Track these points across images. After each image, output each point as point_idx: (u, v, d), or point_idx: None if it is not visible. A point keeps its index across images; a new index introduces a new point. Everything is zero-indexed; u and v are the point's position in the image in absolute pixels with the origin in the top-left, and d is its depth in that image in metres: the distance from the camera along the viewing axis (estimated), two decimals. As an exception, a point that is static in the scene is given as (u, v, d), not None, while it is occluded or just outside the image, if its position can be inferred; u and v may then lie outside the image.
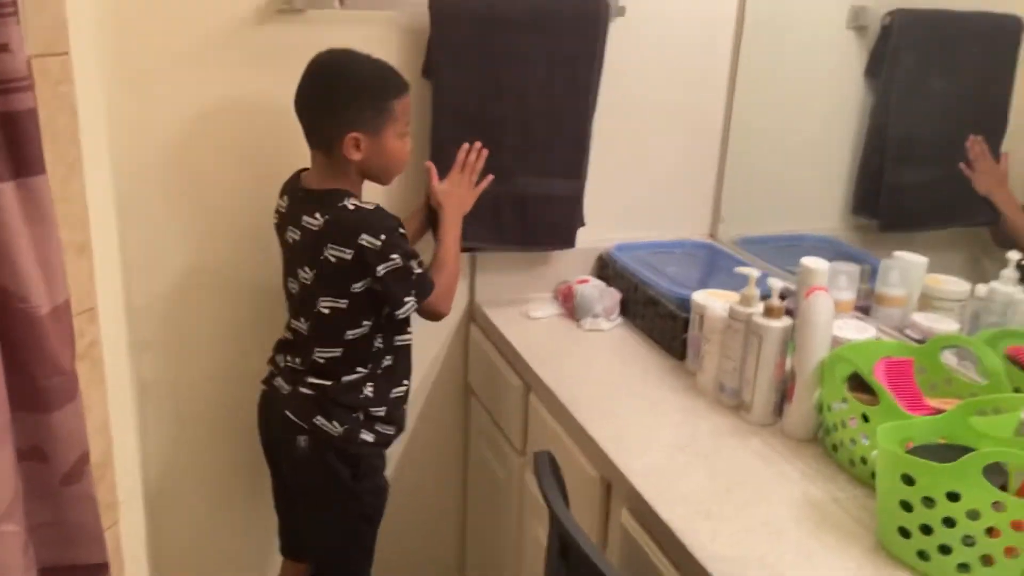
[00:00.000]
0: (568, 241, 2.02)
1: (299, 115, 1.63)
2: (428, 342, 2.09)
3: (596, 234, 2.11)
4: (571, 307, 1.99)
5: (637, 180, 2.15)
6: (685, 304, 1.80)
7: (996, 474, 1.18)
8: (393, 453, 2.10)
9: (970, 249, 2.05)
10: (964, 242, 2.06)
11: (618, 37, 1.99)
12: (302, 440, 1.67)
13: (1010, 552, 1.14)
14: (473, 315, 2.10)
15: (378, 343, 1.67)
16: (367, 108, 1.58)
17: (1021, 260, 1.67)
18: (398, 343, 1.72)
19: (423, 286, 1.65)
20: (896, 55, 2.02)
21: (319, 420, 1.65)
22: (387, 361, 1.70)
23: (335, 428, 1.66)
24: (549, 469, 1.32)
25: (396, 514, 2.08)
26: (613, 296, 1.99)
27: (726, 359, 1.63)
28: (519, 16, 1.85)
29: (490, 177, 1.86)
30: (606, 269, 2.11)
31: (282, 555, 1.92)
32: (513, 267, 2.07)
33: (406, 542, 2.21)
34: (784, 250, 2.18)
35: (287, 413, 1.68)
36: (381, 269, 1.57)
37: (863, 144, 2.13)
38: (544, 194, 1.95)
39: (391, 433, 1.74)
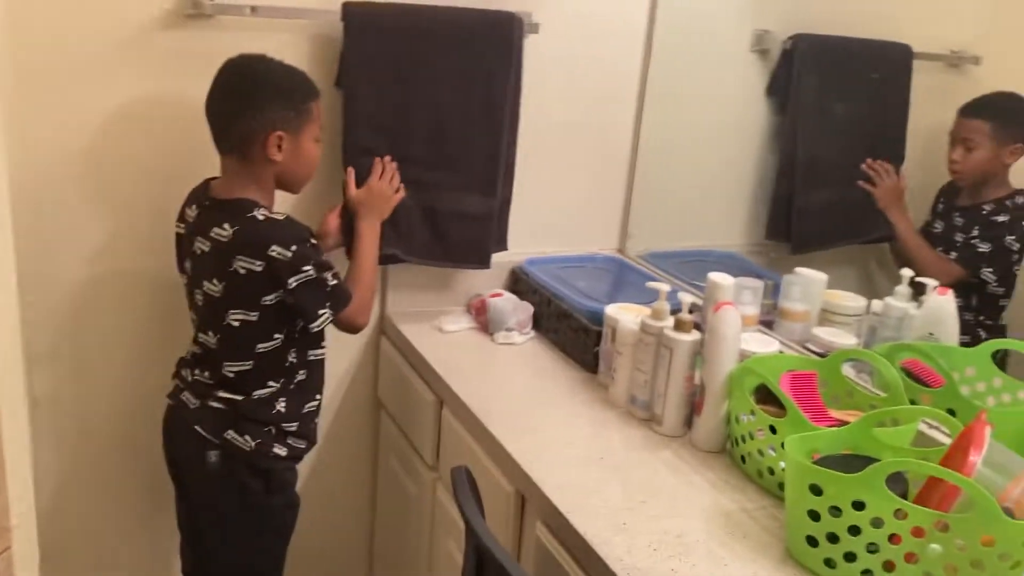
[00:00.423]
0: (482, 261, 2.00)
1: (212, 118, 1.58)
2: (338, 356, 2.06)
3: (508, 248, 2.12)
4: (484, 321, 1.99)
5: (548, 195, 2.17)
6: (597, 318, 1.83)
7: (897, 483, 1.23)
8: (303, 469, 2.06)
9: (866, 265, 2.15)
10: (860, 259, 2.16)
11: (531, 54, 2.01)
12: (212, 455, 1.62)
13: (910, 558, 1.19)
14: (384, 328, 2.08)
15: (292, 358, 1.64)
16: (290, 108, 1.56)
17: (914, 277, 1.76)
18: (311, 357, 1.69)
19: (338, 298, 1.62)
20: (799, 79, 2.11)
21: (230, 435, 1.61)
22: (300, 376, 1.67)
23: (247, 443, 1.62)
24: (467, 485, 1.31)
25: (304, 531, 2.03)
26: (526, 310, 2.00)
27: (638, 372, 1.66)
28: (433, 29, 1.85)
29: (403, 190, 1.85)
30: (518, 283, 2.11)
31: (183, 574, 1.85)
32: (425, 280, 2.06)
33: (314, 559, 2.16)
34: (689, 265, 2.24)
35: (196, 428, 1.63)
36: (293, 281, 1.54)
37: (774, 171, 2.21)
38: (456, 210, 1.94)
39: (302, 447, 1.71)
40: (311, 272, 1.55)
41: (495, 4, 1.91)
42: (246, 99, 1.55)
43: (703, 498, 1.42)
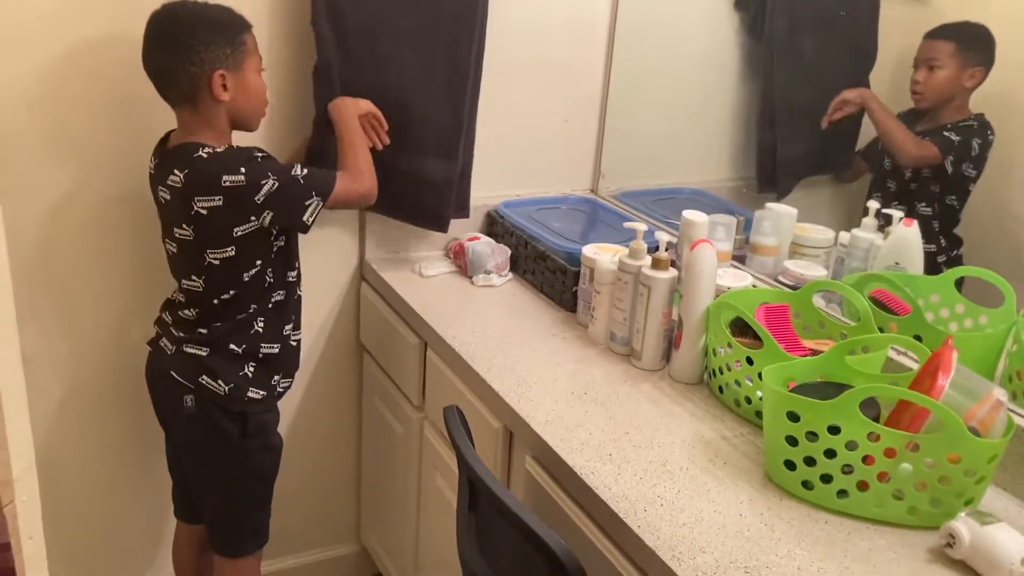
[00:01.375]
0: (440, 226, 2.00)
1: (153, 74, 1.58)
2: (319, 302, 2.08)
3: (483, 191, 2.14)
4: (463, 264, 2.02)
5: (521, 138, 2.18)
6: (574, 258, 1.86)
7: (870, 407, 1.30)
8: (287, 414, 2.11)
9: (833, 197, 2.21)
10: (829, 192, 2.21)
11: (501, -3, 2.01)
12: (188, 399, 1.66)
13: (882, 477, 1.26)
14: (364, 274, 2.10)
15: (269, 277, 1.66)
16: (225, 45, 1.56)
17: (880, 209, 1.81)
18: (289, 279, 1.71)
19: (319, 182, 1.62)
20: (772, 15, 2.13)
21: (204, 379, 1.64)
22: (277, 296, 1.69)
23: (221, 387, 1.65)
24: (459, 422, 1.36)
25: (291, 475, 2.09)
26: (504, 252, 2.03)
27: (616, 310, 1.70)
28: None
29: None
30: (494, 226, 2.14)
31: (176, 518, 1.90)
32: (402, 226, 2.08)
33: (302, 502, 2.22)
34: (661, 203, 2.28)
35: (172, 373, 1.66)
36: (259, 198, 1.55)
37: (755, 119, 2.23)
38: (416, 175, 1.92)
39: (284, 385, 1.74)
40: (272, 182, 1.55)
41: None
42: (180, 47, 1.54)
43: (684, 428, 1.48)
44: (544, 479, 1.44)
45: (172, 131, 1.65)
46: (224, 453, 1.70)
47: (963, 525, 1.18)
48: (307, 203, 1.60)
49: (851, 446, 1.25)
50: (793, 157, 2.19)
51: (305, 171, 1.61)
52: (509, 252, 2.04)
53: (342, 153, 1.74)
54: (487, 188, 2.15)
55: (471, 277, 2.01)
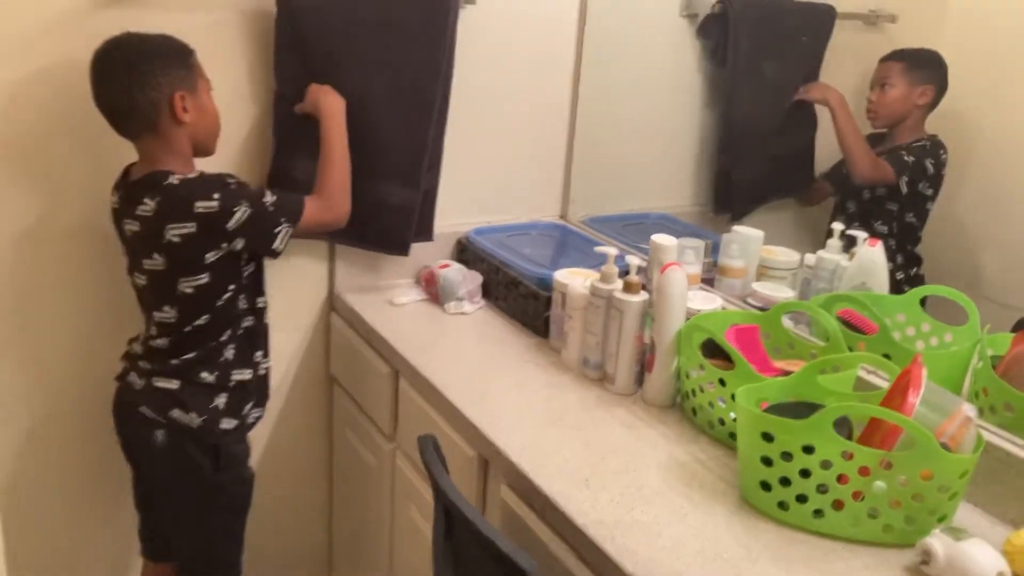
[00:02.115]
0: (400, 249, 1.98)
1: (109, 108, 1.56)
2: (288, 333, 2.07)
3: (453, 218, 2.14)
4: (435, 292, 2.02)
5: (490, 165, 2.19)
6: (545, 283, 1.87)
7: (842, 427, 1.31)
8: (257, 447, 2.08)
9: (799, 221, 2.24)
10: (793, 216, 2.25)
11: (468, 25, 2.02)
12: (159, 434, 1.63)
13: (857, 496, 1.27)
14: (334, 304, 2.09)
15: (242, 303, 1.66)
16: (180, 67, 1.56)
17: (844, 230, 1.84)
18: (259, 305, 1.71)
19: (288, 208, 1.62)
20: (735, 41, 2.17)
21: (176, 413, 1.62)
22: (248, 322, 1.68)
23: (193, 419, 1.63)
24: (434, 451, 1.35)
25: (263, 508, 2.05)
26: (475, 279, 2.03)
27: (589, 334, 1.71)
28: (365, 11, 1.82)
29: None
30: (465, 252, 2.14)
31: (143, 557, 1.86)
32: (372, 255, 2.07)
33: (273, 536, 2.18)
34: (629, 227, 2.30)
35: (142, 409, 1.64)
36: (232, 225, 1.55)
37: (712, 145, 2.28)
38: (376, 199, 1.90)
39: (257, 415, 1.73)
40: (245, 208, 1.55)
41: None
42: (137, 72, 1.52)
43: (659, 452, 1.49)
44: (520, 507, 1.43)
45: (132, 165, 1.64)
46: (197, 488, 1.68)
47: (938, 542, 1.19)
48: (276, 230, 1.60)
49: (825, 465, 1.26)
50: (747, 179, 2.23)
51: (275, 197, 1.61)
52: (481, 279, 2.04)
53: (321, 166, 1.72)
54: (457, 215, 2.16)
55: (443, 305, 2.00)
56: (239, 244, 1.57)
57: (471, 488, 1.57)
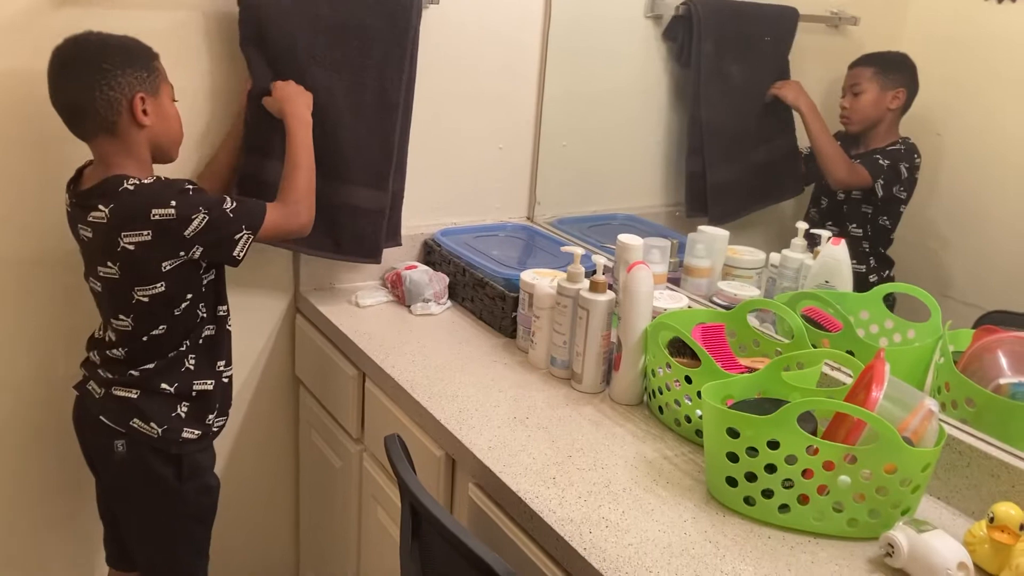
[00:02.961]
0: (373, 255, 1.95)
1: (66, 106, 1.52)
2: (253, 335, 2.05)
3: (419, 220, 2.14)
4: (401, 293, 2.01)
5: (456, 167, 2.19)
6: (512, 284, 1.87)
7: (807, 421, 1.32)
8: (223, 452, 2.06)
9: (766, 219, 2.26)
10: (761, 214, 2.26)
11: (432, 26, 2.02)
12: (119, 444, 1.60)
13: (822, 490, 1.28)
14: (299, 306, 2.07)
15: (201, 312, 1.62)
16: (141, 69, 1.51)
17: (808, 229, 1.86)
18: (219, 313, 1.67)
19: (249, 214, 1.57)
20: (698, 43, 2.18)
21: (136, 423, 1.58)
22: (208, 331, 1.64)
23: (153, 429, 1.59)
24: (400, 451, 1.34)
25: (229, 514, 2.04)
26: (442, 280, 2.02)
27: (556, 334, 1.71)
28: (328, 16, 1.80)
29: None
30: (432, 254, 2.13)
31: (108, 565, 1.83)
32: (338, 255, 2.06)
33: (239, 541, 2.16)
34: (596, 228, 2.30)
35: (101, 418, 1.60)
36: (189, 232, 1.50)
37: (684, 148, 2.27)
38: (348, 204, 1.89)
39: (219, 423, 1.69)
40: (203, 216, 1.51)
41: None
42: (95, 72, 1.48)
43: (626, 449, 1.49)
44: (488, 506, 1.43)
45: (85, 166, 1.60)
46: (160, 498, 1.64)
47: (901, 534, 1.20)
48: (237, 237, 1.55)
49: (790, 460, 1.27)
50: (723, 183, 2.23)
51: (235, 203, 1.56)
52: (447, 280, 2.03)
53: (286, 172, 1.67)
54: (424, 217, 2.15)
55: (409, 306, 1.99)
56: (197, 252, 1.53)
57: (439, 488, 1.56)
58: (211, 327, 1.65)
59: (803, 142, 2.11)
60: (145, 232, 1.49)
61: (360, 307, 1.98)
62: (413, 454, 1.43)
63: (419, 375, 1.69)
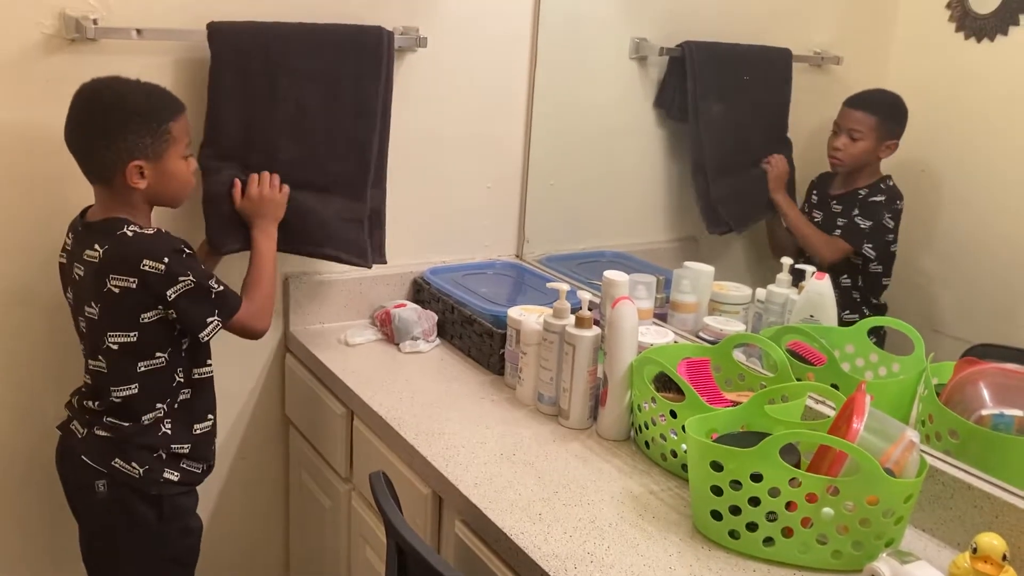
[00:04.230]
0: (360, 254, 1.93)
1: (72, 149, 1.55)
2: (243, 375, 2.05)
3: (409, 259, 2.16)
4: (390, 331, 2.02)
5: (445, 206, 2.21)
6: (500, 321, 1.88)
7: (790, 454, 1.32)
8: (211, 492, 2.06)
9: (755, 257, 2.28)
10: (750, 252, 2.29)
11: (421, 68, 2.06)
12: (100, 485, 1.59)
13: (805, 522, 1.28)
14: (289, 346, 2.08)
15: (179, 376, 1.62)
16: (145, 135, 1.52)
17: (793, 264, 1.87)
18: (196, 376, 1.66)
19: (226, 304, 1.60)
20: (694, 82, 2.22)
21: (117, 462, 1.58)
22: (184, 395, 1.64)
23: (135, 470, 1.58)
24: (384, 487, 1.34)
25: (217, 555, 2.03)
26: (430, 318, 2.03)
27: (543, 370, 1.72)
28: (300, 45, 1.83)
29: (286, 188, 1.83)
30: (421, 292, 2.15)
31: (93, 610, 1.82)
32: (327, 295, 2.07)
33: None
34: (585, 266, 2.32)
35: (83, 458, 1.60)
36: (171, 293, 1.52)
37: (688, 171, 2.31)
38: (327, 208, 1.89)
39: (197, 471, 1.67)
40: (189, 282, 1.53)
41: (385, 20, 1.94)
42: (98, 130, 1.51)
43: (612, 484, 1.49)
44: (474, 543, 1.42)
45: (90, 206, 1.63)
46: (141, 540, 1.63)
47: (884, 565, 1.20)
48: (208, 320, 1.57)
49: (774, 493, 1.27)
50: (727, 195, 2.26)
51: (221, 287, 1.59)
52: (436, 317, 2.04)
53: (252, 278, 1.72)
54: (413, 255, 2.17)
55: (398, 344, 2.00)
56: (173, 313, 1.54)
57: (426, 525, 1.56)
58: (187, 391, 1.65)
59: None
60: (131, 279, 1.50)
61: (349, 345, 1.99)
62: (400, 492, 1.43)
63: (406, 412, 1.70)
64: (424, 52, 2.04)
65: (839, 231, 2.02)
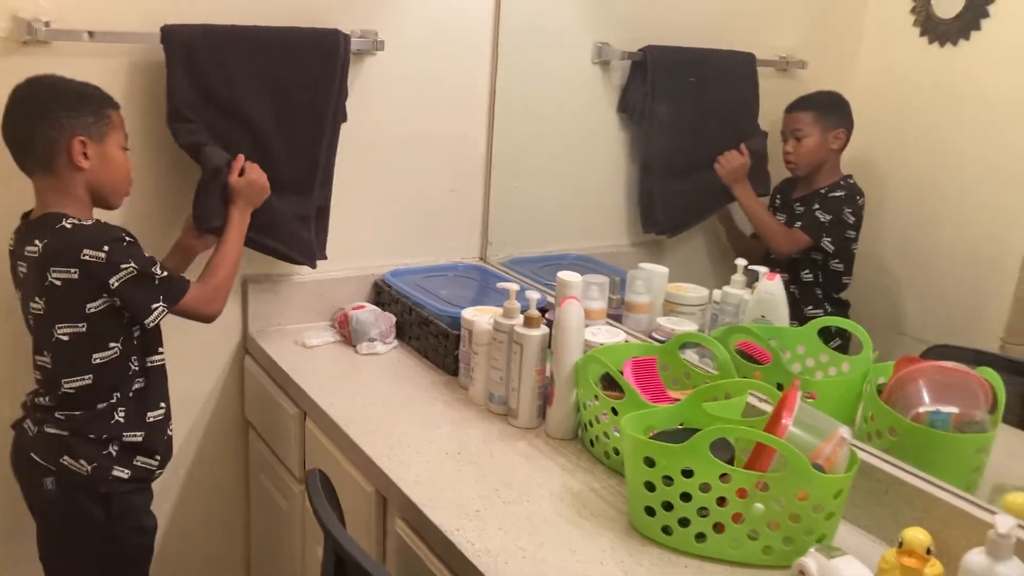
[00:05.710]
0: (307, 256, 2.00)
1: (11, 139, 1.57)
2: (202, 377, 2.06)
3: (370, 261, 2.17)
4: (348, 333, 2.03)
5: (408, 208, 2.22)
6: (456, 322, 1.88)
7: (724, 450, 1.33)
8: (171, 495, 2.06)
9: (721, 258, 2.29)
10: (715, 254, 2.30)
11: (380, 71, 2.07)
12: (49, 482, 1.60)
13: (737, 518, 1.28)
14: (248, 347, 2.09)
15: (133, 365, 1.63)
16: (89, 114, 1.56)
17: (747, 266, 1.88)
18: (149, 364, 1.67)
19: (171, 289, 1.61)
20: (653, 85, 2.24)
21: (66, 460, 1.59)
22: (138, 384, 1.65)
23: (83, 467, 1.59)
24: (319, 486, 1.34)
25: (178, 558, 2.04)
26: (388, 320, 2.04)
27: (493, 369, 1.72)
28: (256, 47, 1.86)
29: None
30: (381, 295, 2.16)
31: (48, 610, 1.82)
32: (288, 298, 2.08)
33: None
34: (548, 268, 2.32)
35: (32, 455, 1.61)
36: (114, 281, 1.53)
37: (636, 173, 2.34)
38: (279, 207, 1.92)
39: (152, 466, 1.68)
40: (131, 269, 1.54)
41: (343, 23, 1.96)
42: (42, 109, 1.54)
43: (554, 482, 1.49)
44: (413, 540, 1.43)
45: (31, 210, 1.64)
46: (90, 538, 1.64)
47: (811, 560, 1.20)
48: (153, 306, 1.59)
49: (704, 488, 1.27)
50: (670, 194, 2.27)
51: (164, 273, 1.60)
52: (394, 319, 2.05)
53: (215, 260, 1.74)
54: (375, 258, 2.18)
55: (355, 346, 2.01)
56: (118, 301, 1.56)
57: (370, 524, 1.56)
58: (141, 380, 1.66)
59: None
60: (73, 270, 1.51)
61: (306, 347, 2.00)
62: (346, 491, 1.44)
63: (356, 412, 1.71)
64: (384, 55, 2.05)
65: (800, 222, 2.03)
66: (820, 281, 2.01)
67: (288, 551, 1.97)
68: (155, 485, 1.73)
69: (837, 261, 2.00)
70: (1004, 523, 1.06)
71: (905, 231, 2.03)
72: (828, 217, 1.99)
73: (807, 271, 2.00)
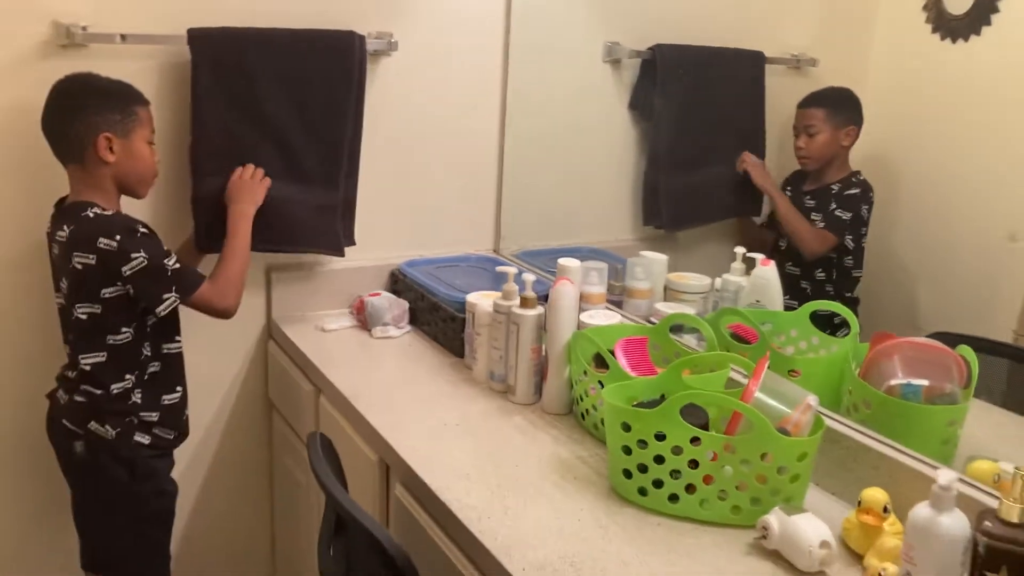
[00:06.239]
0: (334, 246, 2.10)
1: (47, 132, 1.71)
2: (228, 360, 2.18)
3: (388, 252, 2.28)
4: (364, 319, 2.14)
5: (424, 201, 2.33)
6: (463, 307, 1.98)
7: (697, 417, 1.40)
8: (197, 474, 2.19)
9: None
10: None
11: (395, 70, 2.18)
12: (78, 446, 1.74)
13: (708, 480, 1.36)
14: (271, 332, 2.21)
15: (146, 351, 1.75)
16: (116, 111, 1.69)
17: (745, 253, 1.94)
18: (166, 351, 1.79)
19: (185, 281, 1.72)
20: (662, 84, 2.31)
21: (93, 425, 1.72)
22: (153, 368, 1.77)
23: (108, 432, 1.72)
24: (319, 448, 1.44)
25: (204, 536, 2.17)
26: (401, 305, 2.14)
27: (493, 349, 1.81)
28: (277, 49, 1.97)
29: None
30: (397, 283, 2.26)
31: (83, 570, 1.94)
32: (309, 285, 2.20)
33: (215, 563, 2.27)
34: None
35: (64, 421, 1.75)
36: (126, 270, 1.66)
37: (644, 166, 2.40)
38: (302, 202, 2.02)
39: (170, 438, 1.80)
40: (142, 259, 1.66)
41: (360, 25, 2.07)
42: (72, 106, 1.68)
43: (544, 451, 1.58)
44: (411, 503, 1.52)
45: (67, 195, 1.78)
46: (116, 499, 1.77)
47: (774, 517, 1.28)
48: (165, 296, 1.70)
49: (676, 451, 1.35)
50: (675, 190, 2.33)
51: (177, 265, 1.71)
52: (407, 305, 2.16)
53: (224, 257, 1.84)
54: (392, 249, 2.29)
55: (370, 330, 2.12)
56: (131, 289, 1.68)
57: (373, 491, 1.66)
58: (156, 364, 1.78)
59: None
60: (90, 256, 1.65)
61: (325, 331, 2.11)
62: (352, 460, 1.54)
63: (365, 389, 1.81)
64: (399, 56, 2.16)
65: (822, 224, 2.08)
66: (833, 279, 2.05)
67: (307, 526, 2.07)
68: (184, 461, 1.86)
69: (850, 258, 2.05)
70: (945, 476, 1.12)
71: (918, 226, 2.06)
72: (848, 215, 2.04)
73: (820, 270, 2.04)
